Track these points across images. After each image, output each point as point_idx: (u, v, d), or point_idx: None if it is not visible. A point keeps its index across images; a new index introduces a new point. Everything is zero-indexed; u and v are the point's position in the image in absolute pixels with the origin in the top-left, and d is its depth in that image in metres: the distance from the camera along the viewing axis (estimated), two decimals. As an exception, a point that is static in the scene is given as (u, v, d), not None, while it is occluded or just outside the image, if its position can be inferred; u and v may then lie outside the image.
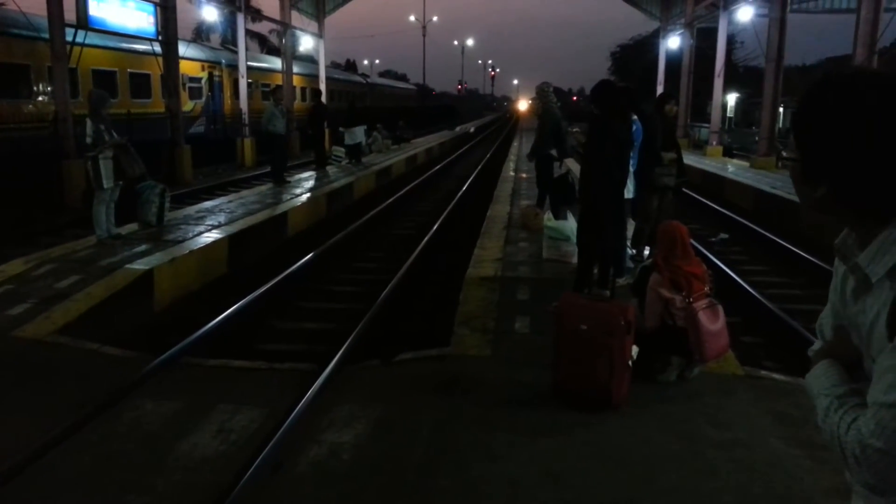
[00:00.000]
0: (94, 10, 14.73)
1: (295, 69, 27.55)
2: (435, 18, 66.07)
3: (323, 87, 27.67)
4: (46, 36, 13.89)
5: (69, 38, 14.13)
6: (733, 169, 20.32)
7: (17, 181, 12.87)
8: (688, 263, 4.80)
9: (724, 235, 12.51)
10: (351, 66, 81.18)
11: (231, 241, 9.51)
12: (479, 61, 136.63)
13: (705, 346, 4.58)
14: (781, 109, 23.45)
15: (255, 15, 28.49)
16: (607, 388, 4.32)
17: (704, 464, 3.80)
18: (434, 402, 4.58)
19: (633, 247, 8.27)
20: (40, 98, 16.22)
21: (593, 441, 4.03)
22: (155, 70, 19.01)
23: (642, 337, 4.63)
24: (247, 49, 24.19)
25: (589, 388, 4.37)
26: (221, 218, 10.91)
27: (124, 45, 18.62)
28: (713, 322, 4.63)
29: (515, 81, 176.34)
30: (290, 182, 15.40)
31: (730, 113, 41.93)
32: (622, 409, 4.37)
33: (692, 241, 5.18)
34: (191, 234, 9.50)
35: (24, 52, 15.61)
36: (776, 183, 16.37)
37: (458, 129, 46.72)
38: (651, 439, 4.05)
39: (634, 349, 4.46)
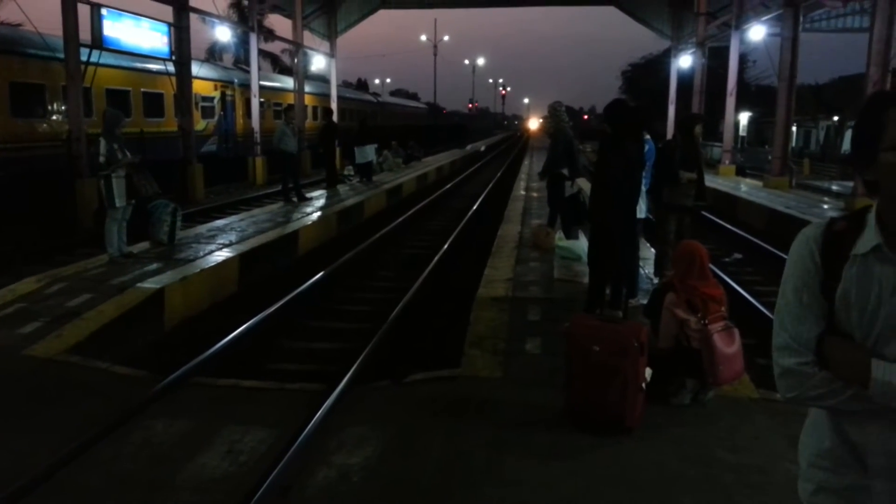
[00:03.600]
0: (109, 30, 14.87)
1: (307, 88, 27.73)
2: (446, 38, 66.43)
3: (334, 105, 27.80)
4: (61, 56, 14.03)
5: (84, 58, 14.28)
6: (746, 188, 20.24)
7: (31, 199, 12.97)
8: (705, 284, 4.74)
9: (737, 255, 12.43)
10: (362, 85, 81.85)
11: (242, 260, 9.52)
12: (490, 80, 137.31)
13: (720, 370, 4.51)
14: (794, 128, 23.38)
15: (268, 35, 28.78)
16: (620, 410, 4.27)
17: (719, 488, 3.74)
18: (445, 423, 4.54)
19: (656, 273, 8.16)
20: (54, 117, 16.36)
21: (606, 464, 3.97)
22: (168, 89, 19.16)
23: (656, 359, 4.58)
24: (259, 68, 24.38)
25: (601, 410, 4.32)
26: (232, 236, 10.94)
27: (138, 65, 18.77)
28: (729, 345, 4.57)
29: (526, 100, 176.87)
30: (302, 200, 15.42)
31: (742, 132, 41.92)
32: (635, 432, 4.31)
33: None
34: (202, 253, 9.52)
35: (40, 72, 15.76)
36: (790, 203, 16.30)
37: (468, 147, 46.81)
38: (665, 463, 3.99)
39: (648, 371, 4.41)
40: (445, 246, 12.19)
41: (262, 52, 31.46)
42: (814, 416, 1.73)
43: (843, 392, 1.56)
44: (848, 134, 38.56)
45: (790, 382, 1.64)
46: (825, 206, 16.06)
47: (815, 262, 1.63)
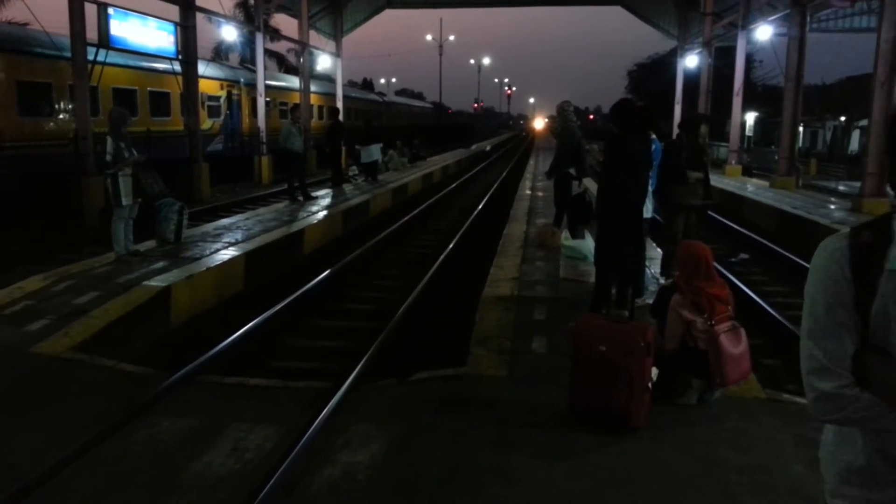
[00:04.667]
0: (116, 29, 14.91)
1: (312, 88, 27.74)
2: (452, 38, 66.00)
3: (340, 105, 27.78)
4: (68, 55, 14.08)
5: (91, 57, 14.32)
6: (753, 188, 20.19)
7: (37, 198, 13.01)
8: (711, 285, 4.71)
9: (743, 255, 12.39)
10: (368, 84, 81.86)
11: (247, 259, 9.53)
12: (496, 80, 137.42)
13: (726, 370, 4.50)
14: (801, 128, 23.28)
15: (274, 34, 28.79)
16: (626, 410, 4.25)
17: (725, 489, 3.72)
18: (450, 422, 4.53)
19: (662, 273, 8.14)
20: (61, 116, 16.41)
21: (611, 464, 3.96)
22: (174, 88, 19.20)
23: (662, 359, 4.57)
24: (265, 68, 24.40)
25: (607, 410, 4.31)
26: (238, 235, 10.95)
27: (144, 64, 18.82)
28: (735, 345, 4.55)
29: (532, 100, 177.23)
30: (308, 199, 15.42)
31: (748, 132, 41.78)
32: (641, 432, 4.30)
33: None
34: (208, 252, 9.54)
35: (47, 71, 15.82)
36: (797, 203, 16.24)
37: (473, 147, 46.76)
38: (671, 463, 3.98)
39: (654, 371, 4.40)
40: (451, 245, 12.19)
41: (268, 52, 31.48)
42: (840, 429, 1.63)
43: (888, 414, 1.45)
44: (855, 134, 38.60)
45: (829, 407, 1.52)
46: (832, 207, 16.00)
47: (846, 278, 1.53)
